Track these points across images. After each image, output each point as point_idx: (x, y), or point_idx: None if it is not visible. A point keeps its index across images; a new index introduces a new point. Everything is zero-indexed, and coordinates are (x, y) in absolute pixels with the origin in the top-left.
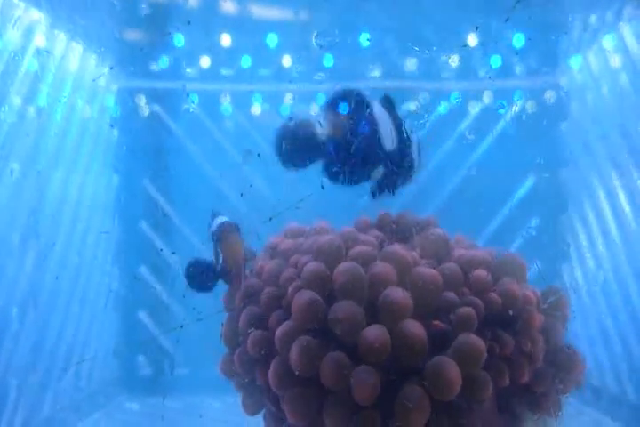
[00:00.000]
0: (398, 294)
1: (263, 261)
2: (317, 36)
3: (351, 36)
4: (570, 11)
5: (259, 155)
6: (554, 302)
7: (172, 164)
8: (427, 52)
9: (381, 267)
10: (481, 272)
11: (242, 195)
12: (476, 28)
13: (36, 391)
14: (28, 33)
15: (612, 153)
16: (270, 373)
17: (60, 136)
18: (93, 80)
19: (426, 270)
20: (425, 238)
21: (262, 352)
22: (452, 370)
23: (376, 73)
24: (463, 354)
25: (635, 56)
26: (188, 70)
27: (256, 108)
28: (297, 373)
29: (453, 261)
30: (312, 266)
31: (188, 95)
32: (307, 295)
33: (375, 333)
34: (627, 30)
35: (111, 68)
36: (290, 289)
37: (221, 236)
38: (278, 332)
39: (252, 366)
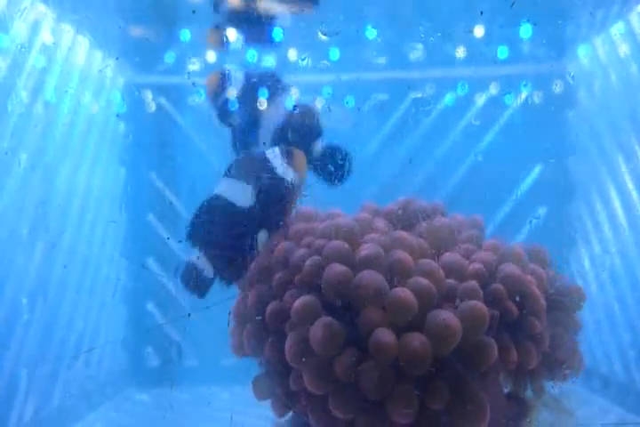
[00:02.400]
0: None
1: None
2: (322, 24)
3: (356, 25)
4: None
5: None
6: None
7: (179, 155)
8: (431, 38)
9: (400, 253)
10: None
11: None
12: (481, 12)
13: (47, 381)
14: (36, 25)
15: (620, 140)
16: (288, 346)
17: (68, 128)
18: (100, 71)
19: (429, 261)
20: (430, 226)
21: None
22: (451, 317)
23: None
24: (466, 316)
25: None
26: (193, 65)
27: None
28: (318, 353)
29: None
30: (334, 243)
31: (194, 84)
32: (339, 268)
33: (404, 290)
34: (635, 18)
35: (117, 59)
36: (307, 264)
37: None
38: (297, 304)
39: (261, 344)
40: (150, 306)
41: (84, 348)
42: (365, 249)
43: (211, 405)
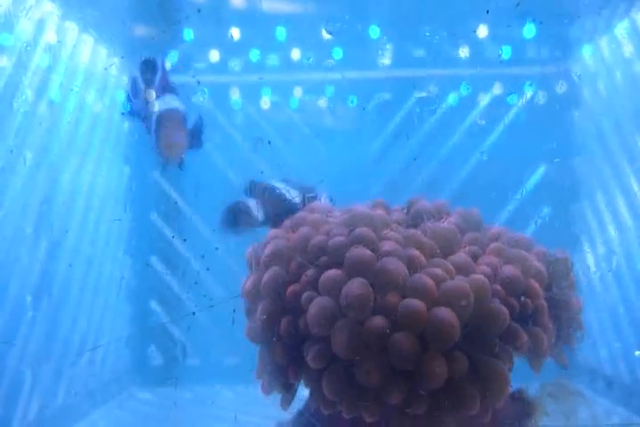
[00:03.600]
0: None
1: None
2: (327, 22)
3: (361, 24)
4: None
5: (269, 142)
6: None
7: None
8: (437, 37)
9: (413, 251)
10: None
11: None
12: (487, 11)
13: (51, 379)
14: (41, 23)
15: (625, 140)
16: (314, 312)
17: (73, 126)
18: (105, 69)
19: (441, 259)
20: (434, 227)
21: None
22: (460, 280)
23: (386, 61)
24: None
25: None
26: (199, 64)
27: (265, 101)
28: (353, 308)
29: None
30: (360, 230)
31: (199, 83)
32: (364, 250)
33: (425, 275)
34: None
35: (122, 58)
36: (332, 244)
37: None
38: (327, 274)
39: (277, 319)
40: (154, 304)
41: (88, 346)
42: (387, 245)
43: (214, 404)
